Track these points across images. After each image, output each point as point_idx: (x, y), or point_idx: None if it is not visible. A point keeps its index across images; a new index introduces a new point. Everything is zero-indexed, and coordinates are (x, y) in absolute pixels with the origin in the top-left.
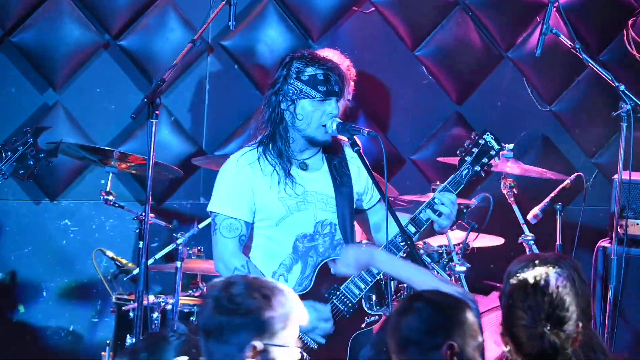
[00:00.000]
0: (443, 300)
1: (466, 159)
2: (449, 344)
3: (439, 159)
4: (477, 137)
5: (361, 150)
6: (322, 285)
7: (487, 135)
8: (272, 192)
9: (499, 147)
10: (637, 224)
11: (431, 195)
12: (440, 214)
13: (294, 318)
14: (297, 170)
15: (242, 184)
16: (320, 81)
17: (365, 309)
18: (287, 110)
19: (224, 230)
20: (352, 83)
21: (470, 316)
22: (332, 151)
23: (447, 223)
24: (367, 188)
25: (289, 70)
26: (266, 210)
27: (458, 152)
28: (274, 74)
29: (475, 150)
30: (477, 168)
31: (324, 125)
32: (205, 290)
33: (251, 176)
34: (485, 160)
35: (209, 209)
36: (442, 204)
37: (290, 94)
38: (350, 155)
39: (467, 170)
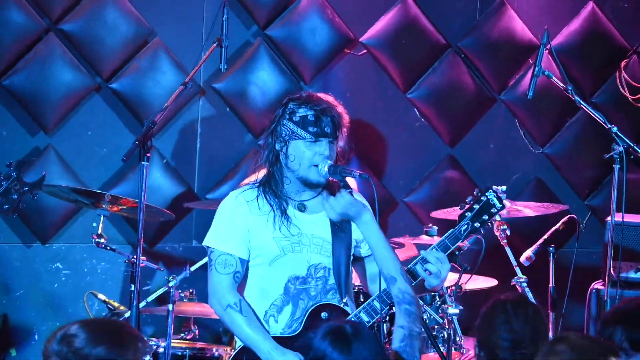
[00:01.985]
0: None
1: (466, 214)
2: None
3: (432, 214)
4: (479, 194)
5: (352, 194)
6: (311, 329)
7: (490, 193)
8: (267, 231)
9: (500, 205)
10: (630, 266)
11: (423, 237)
12: (429, 273)
13: (141, 349)
14: (294, 211)
15: (238, 221)
16: (311, 122)
17: None
18: (280, 151)
19: (219, 266)
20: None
21: None
22: (333, 195)
23: (437, 282)
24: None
25: (284, 111)
26: (260, 249)
27: (460, 207)
28: (268, 116)
29: (476, 207)
30: (477, 224)
31: (316, 166)
32: (46, 343)
33: (248, 214)
34: (485, 217)
35: (204, 243)
36: (430, 262)
37: (283, 135)
38: None
39: (466, 226)
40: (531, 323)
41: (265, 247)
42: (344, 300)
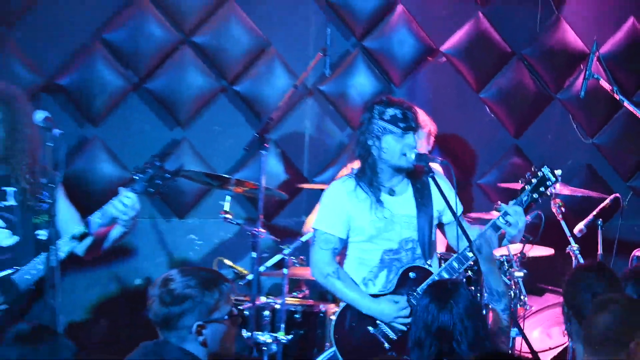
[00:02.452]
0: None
1: (526, 187)
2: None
3: (499, 184)
4: (536, 170)
5: (434, 176)
6: (402, 287)
7: (545, 168)
8: (365, 216)
9: (554, 179)
10: None
11: (493, 213)
12: (509, 224)
13: (226, 292)
14: (385, 196)
15: (340, 208)
16: (400, 119)
17: None
18: (373, 146)
19: (322, 243)
20: (432, 137)
21: None
22: (415, 177)
23: (515, 232)
24: (445, 207)
25: (372, 113)
26: (359, 229)
27: (520, 181)
28: (360, 116)
29: (534, 180)
30: (535, 196)
31: (404, 155)
32: (150, 288)
33: (348, 202)
34: (542, 189)
35: (312, 226)
36: (509, 214)
37: (376, 132)
38: (431, 180)
39: (526, 197)
40: (609, 286)
41: (364, 228)
42: (428, 263)
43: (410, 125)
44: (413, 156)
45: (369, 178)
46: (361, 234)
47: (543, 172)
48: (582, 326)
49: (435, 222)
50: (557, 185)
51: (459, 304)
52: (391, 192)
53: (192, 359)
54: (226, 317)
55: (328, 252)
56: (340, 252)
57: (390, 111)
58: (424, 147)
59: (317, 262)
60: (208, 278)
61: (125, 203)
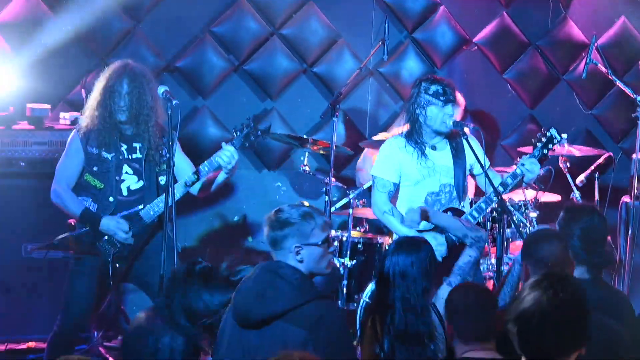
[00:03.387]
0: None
1: (537, 144)
2: None
3: (519, 149)
4: (545, 131)
5: (468, 138)
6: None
7: (552, 129)
8: (413, 164)
9: (560, 137)
10: None
11: (514, 167)
12: (527, 170)
13: (320, 223)
14: (429, 150)
15: (394, 158)
16: (441, 93)
17: None
18: (420, 114)
19: (379, 186)
20: (462, 109)
21: None
22: (452, 138)
23: (532, 176)
24: (475, 161)
25: (419, 88)
26: (408, 175)
27: (533, 140)
28: (410, 91)
29: (544, 139)
30: (545, 151)
31: (445, 122)
32: (266, 218)
33: (399, 154)
34: (550, 146)
35: (371, 172)
36: (526, 164)
37: (422, 104)
38: (465, 139)
39: (538, 152)
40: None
41: (412, 174)
42: (462, 204)
43: (449, 98)
44: (451, 122)
45: (415, 138)
46: (409, 180)
47: (551, 132)
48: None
49: (467, 172)
50: (565, 145)
51: (403, 259)
52: (433, 148)
53: (296, 271)
54: (320, 242)
55: (385, 194)
56: (394, 194)
57: (434, 87)
58: (458, 116)
59: (377, 202)
60: (307, 211)
61: (227, 154)
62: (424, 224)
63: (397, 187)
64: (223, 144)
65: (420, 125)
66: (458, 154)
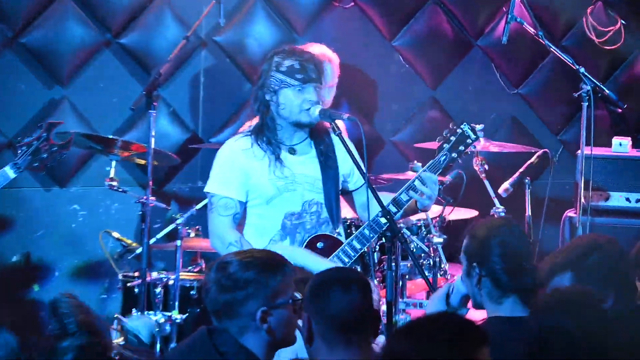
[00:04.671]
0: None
1: (444, 146)
2: None
3: (416, 145)
4: (455, 127)
5: (342, 134)
6: None
7: (465, 125)
8: (264, 174)
9: (475, 136)
10: (600, 195)
11: (409, 173)
12: (422, 194)
13: (289, 274)
14: (286, 155)
15: (236, 167)
16: (297, 70)
17: None
18: (271, 101)
19: (220, 209)
20: (338, 71)
21: None
22: (319, 137)
23: (429, 202)
24: (352, 170)
25: (270, 65)
26: (258, 190)
27: (437, 139)
28: (259, 69)
29: (453, 138)
30: (454, 155)
31: (305, 110)
32: (204, 273)
33: (245, 160)
34: (462, 148)
35: (206, 189)
36: (424, 184)
37: (273, 86)
38: (337, 140)
39: (444, 156)
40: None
41: (263, 188)
42: (337, 230)
43: (309, 76)
44: (317, 112)
45: (267, 136)
46: (260, 196)
47: (462, 129)
48: None
49: (340, 185)
50: (482, 141)
51: None
52: (292, 151)
53: (247, 358)
54: (290, 301)
55: (228, 219)
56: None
57: (288, 62)
58: (329, 101)
59: (217, 231)
60: (269, 259)
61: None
62: None
63: (244, 207)
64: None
65: (273, 117)
66: (327, 161)
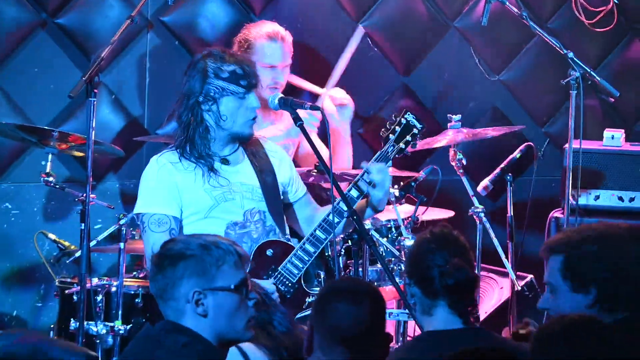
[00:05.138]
0: None
1: (390, 137)
2: None
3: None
4: (397, 118)
5: (303, 125)
6: (259, 269)
7: (408, 115)
8: (197, 185)
9: (421, 125)
10: (589, 194)
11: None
12: (374, 185)
13: (234, 259)
14: (219, 165)
15: (164, 183)
16: (241, 76)
17: (306, 289)
18: (209, 111)
19: (153, 225)
20: (291, 50)
21: None
22: (250, 145)
23: (382, 194)
24: (291, 179)
25: (204, 70)
26: (193, 203)
27: (381, 132)
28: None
29: (397, 129)
30: (402, 145)
31: (253, 119)
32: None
33: (174, 173)
34: (409, 138)
35: (135, 211)
36: (372, 173)
37: (212, 94)
38: (271, 149)
39: (392, 147)
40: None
41: (199, 200)
42: (285, 235)
43: (252, 82)
44: (277, 101)
45: (198, 149)
46: (197, 209)
47: (406, 119)
48: None
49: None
50: (458, 126)
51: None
52: (224, 162)
53: (185, 334)
54: (233, 286)
55: (164, 235)
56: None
57: (228, 67)
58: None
59: (154, 249)
60: (211, 240)
61: None
62: None
63: (179, 223)
64: None
65: (207, 129)
66: (263, 169)
